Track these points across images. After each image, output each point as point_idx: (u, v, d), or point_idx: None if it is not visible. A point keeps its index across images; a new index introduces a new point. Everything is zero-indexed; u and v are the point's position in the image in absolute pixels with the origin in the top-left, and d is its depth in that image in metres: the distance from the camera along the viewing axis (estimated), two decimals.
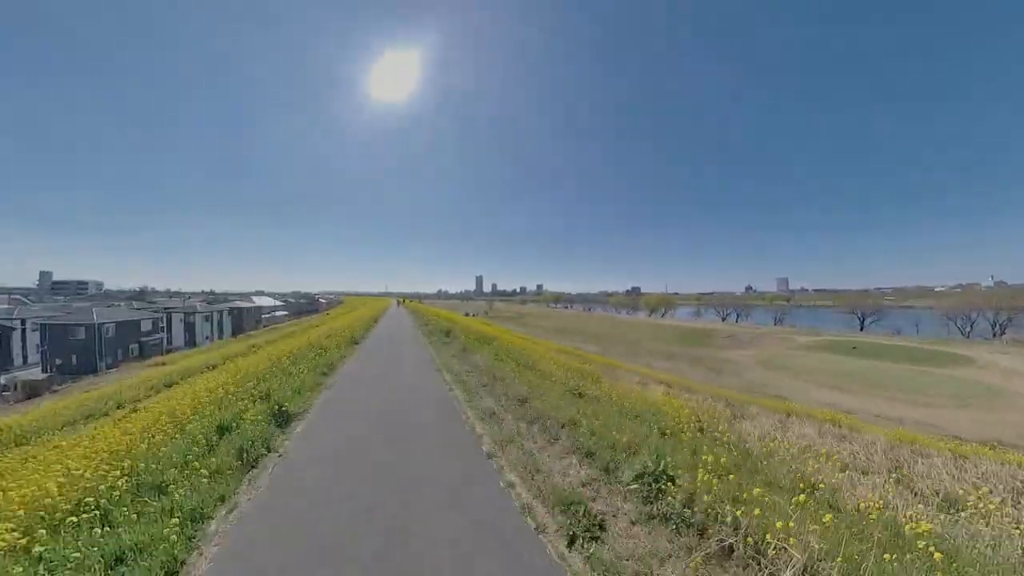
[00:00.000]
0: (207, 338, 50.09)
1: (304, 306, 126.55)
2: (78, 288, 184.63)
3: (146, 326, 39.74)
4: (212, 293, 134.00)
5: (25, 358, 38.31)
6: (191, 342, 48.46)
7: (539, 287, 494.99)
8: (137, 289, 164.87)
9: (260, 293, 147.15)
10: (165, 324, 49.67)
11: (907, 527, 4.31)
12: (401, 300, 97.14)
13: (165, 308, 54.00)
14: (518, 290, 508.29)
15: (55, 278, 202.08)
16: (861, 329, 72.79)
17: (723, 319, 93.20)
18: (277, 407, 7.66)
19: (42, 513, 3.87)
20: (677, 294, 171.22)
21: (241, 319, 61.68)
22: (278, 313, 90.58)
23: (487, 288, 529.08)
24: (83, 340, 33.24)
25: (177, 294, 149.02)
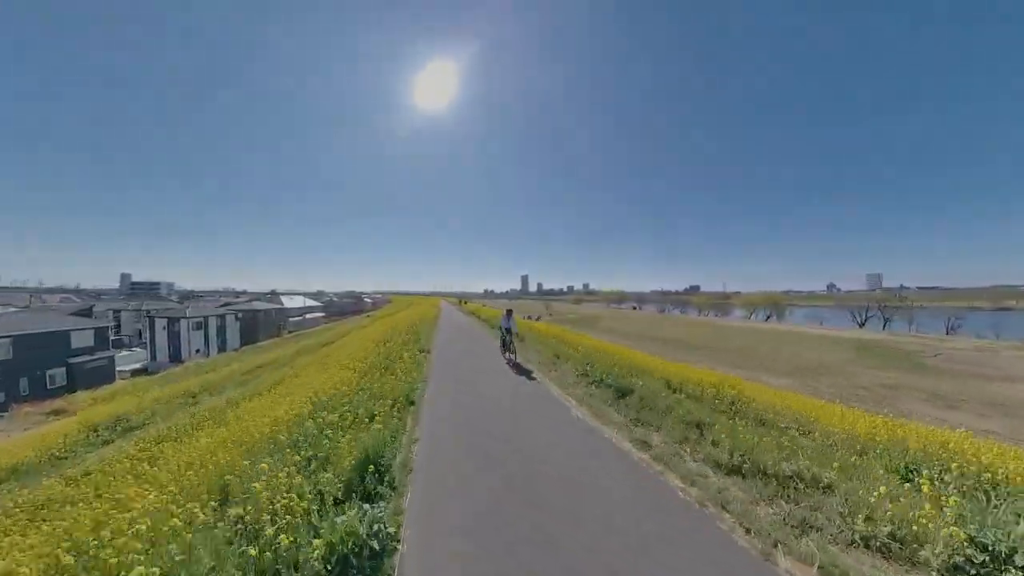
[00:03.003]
0: (198, 351, 38.78)
1: (347, 306, 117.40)
2: (150, 289, 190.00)
3: (81, 340, 28.21)
4: (273, 293, 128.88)
5: None
6: (176, 356, 37.49)
7: (586, 286, 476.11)
8: (187, 289, 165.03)
9: (321, 293, 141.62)
10: (149, 330, 39.03)
11: None
12: (459, 301, 67.34)
13: (165, 312, 43.64)
14: (565, 289, 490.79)
15: (147, 281, 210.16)
16: None
17: (861, 325, 72.05)
18: None
19: None
20: (739, 293, 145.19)
21: (255, 324, 50.63)
22: (311, 315, 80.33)
23: (532, 287, 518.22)
24: None
25: (228, 293, 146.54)
